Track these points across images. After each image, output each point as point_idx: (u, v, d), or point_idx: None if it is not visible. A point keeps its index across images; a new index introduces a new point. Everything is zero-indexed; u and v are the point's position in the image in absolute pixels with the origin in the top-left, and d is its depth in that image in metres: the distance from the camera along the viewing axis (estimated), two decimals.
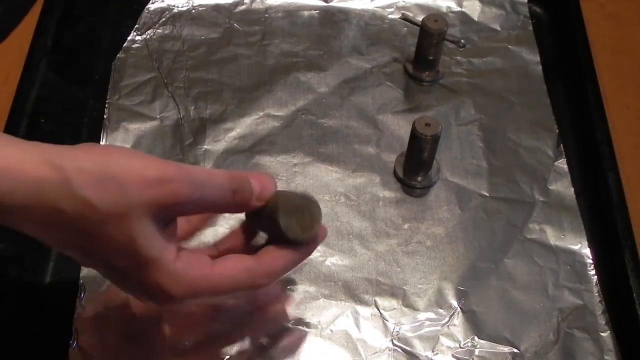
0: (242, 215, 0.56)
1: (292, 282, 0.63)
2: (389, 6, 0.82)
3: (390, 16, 0.82)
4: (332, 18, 0.81)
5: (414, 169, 0.69)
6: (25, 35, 0.73)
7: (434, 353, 0.60)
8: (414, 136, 0.67)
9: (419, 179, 0.70)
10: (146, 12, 0.80)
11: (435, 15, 0.74)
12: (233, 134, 0.72)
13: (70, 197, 0.46)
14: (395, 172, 0.70)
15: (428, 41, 0.74)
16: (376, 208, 0.68)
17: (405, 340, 0.61)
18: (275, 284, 0.60)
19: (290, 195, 0.55)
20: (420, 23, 0.74)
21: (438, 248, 0.66)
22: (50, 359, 0.59)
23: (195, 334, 0.60)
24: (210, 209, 0.55)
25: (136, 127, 0.72)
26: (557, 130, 0.73)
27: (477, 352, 0.61)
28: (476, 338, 0.61)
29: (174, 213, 0.50)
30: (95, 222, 0.46)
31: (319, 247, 0.64)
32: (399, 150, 0.71)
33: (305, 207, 0.54)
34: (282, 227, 0.52)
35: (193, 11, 0.81)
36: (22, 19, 0.75)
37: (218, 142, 0.71)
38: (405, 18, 0.77)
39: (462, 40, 0.74)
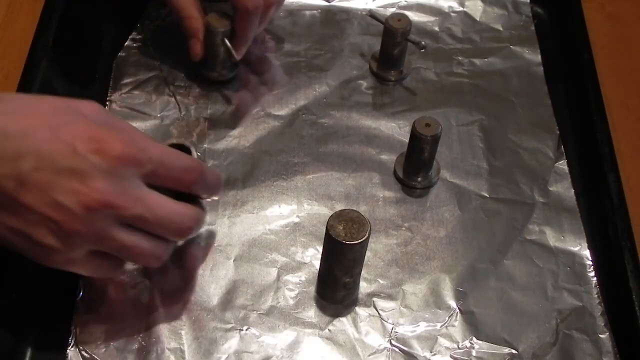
0: None
1: (290, 282, 0.63)
2: (391, 5, 0.82)
3: None
4: (333, 18, 0.81)
5: (414, 169, 0.69)
6: (26, 34, 0.74)
7: (432, 353, 0.60)
8: (414, 136, 0.67)
9: (419, 179, 0.70)
10: (147, 11, 0.80)
11: (399, 14, 0.74)
12: (233, 132, 0.72)
13: None
14: (395, 172, 0.70)
15: (391, 40, 0.74)
16: (376, 208, 0.68)
17: (403, 341, 0.61)
18: None
19: (345, 211, 0.59)
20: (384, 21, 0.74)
21: (437, 249, 0.66)
22: (49, 358, 0.59)
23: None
24: None
25: (137, 126, 0.71)
26: (558, 132, 0.73)
27: (475, 352, 0.60)
28: (474, 339, 0.61)
29: None
30: None
31: (317, 247, 0.64)
32: (399, 150, 0.71)
33: (356, 220, 0.58)
34: (328, 226, 0.58)
35: None
36: None
37: (218, 141, 0.71)
38: (372, 15, 0.78)
39: (423, 42, 0.74)
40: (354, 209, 0.59)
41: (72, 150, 0.50)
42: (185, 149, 0.62)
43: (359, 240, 0.58)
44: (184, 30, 0.72)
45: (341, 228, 0.58)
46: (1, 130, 0.51)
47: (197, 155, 0.64)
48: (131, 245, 0.54)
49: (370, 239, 0.59)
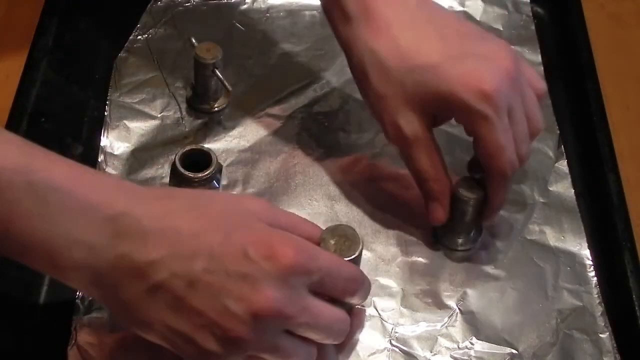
0: None
1: None
2: None
3: None
4: None
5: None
6: (26, 34, 0.74)
7: (433, 353, 0.60)
8: None
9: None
10: (148, 12, 0.80)
11: None
12: (233, 133, 0.72)
13: None
14: None
15: None
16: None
17: (403, 341, 0.61)
18: None
19: (341, 226, 0.58)
20: None
21: (437, 249, 0.66)
22: (49, 358, 0.59)
23: None
24: None
25: (137, 126, 0.72)
26: (558, 132, 0.73)
27: (475, 352, 0.60)
28: (474, 339, 0.61)
29: None
30: None
31: None
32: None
33: (350, 237, 0.56)
34: (320, 239, 0.55)
35: (195, 11, 0.81)
36: None
37: (218, 142, 0.72)
38: None
39: None
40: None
41: (244, 254, 0.49)
42: (205, 154, 0.62)
43: (346, 258, 0.56)
44: (426, 192, 0.64)
45: (332, 243, 0.56)
46: (175, 228, 0.50)
47: (218, 162, 0.63)
48: (290, 353, 0.52)
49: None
